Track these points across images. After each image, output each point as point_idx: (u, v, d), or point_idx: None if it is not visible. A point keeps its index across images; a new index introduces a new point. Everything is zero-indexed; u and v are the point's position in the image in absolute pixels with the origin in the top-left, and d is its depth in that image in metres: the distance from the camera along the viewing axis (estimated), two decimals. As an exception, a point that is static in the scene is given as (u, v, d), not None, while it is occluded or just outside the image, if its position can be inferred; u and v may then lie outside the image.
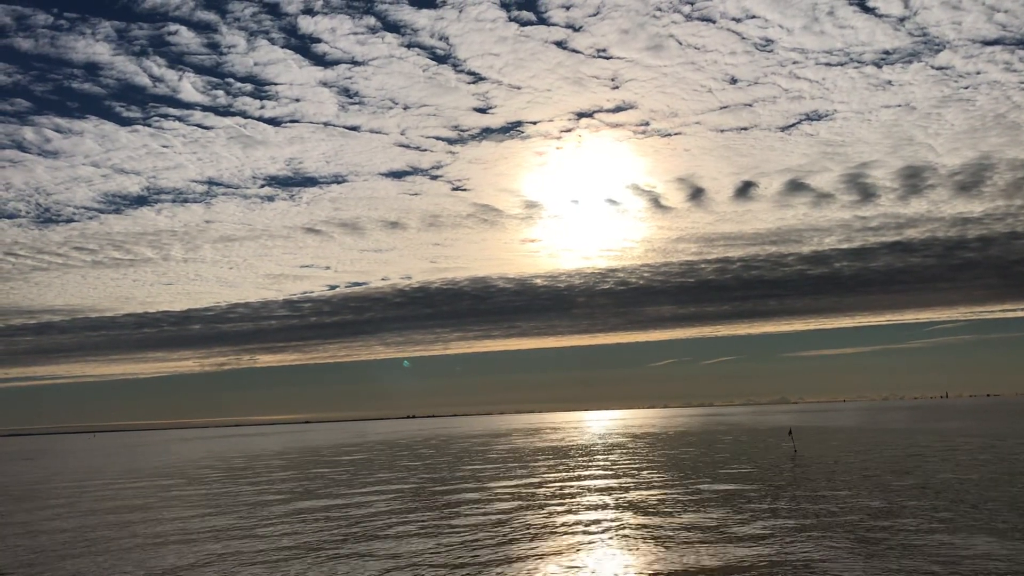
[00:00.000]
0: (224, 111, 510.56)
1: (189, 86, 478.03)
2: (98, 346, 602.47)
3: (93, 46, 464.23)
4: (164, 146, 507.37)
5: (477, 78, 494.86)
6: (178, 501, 33.74)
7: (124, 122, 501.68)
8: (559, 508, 25.58)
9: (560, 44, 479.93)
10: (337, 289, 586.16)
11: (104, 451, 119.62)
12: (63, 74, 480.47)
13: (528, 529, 21.25)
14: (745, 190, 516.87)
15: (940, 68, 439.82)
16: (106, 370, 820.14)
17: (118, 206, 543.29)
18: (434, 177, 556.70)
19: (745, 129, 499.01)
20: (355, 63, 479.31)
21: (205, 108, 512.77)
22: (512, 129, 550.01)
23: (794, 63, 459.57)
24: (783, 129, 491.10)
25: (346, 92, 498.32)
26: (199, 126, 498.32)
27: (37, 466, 77.37)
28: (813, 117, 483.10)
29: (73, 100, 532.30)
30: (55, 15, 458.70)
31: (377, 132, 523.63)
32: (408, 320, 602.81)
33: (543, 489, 31.72)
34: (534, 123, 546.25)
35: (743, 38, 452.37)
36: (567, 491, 30.58)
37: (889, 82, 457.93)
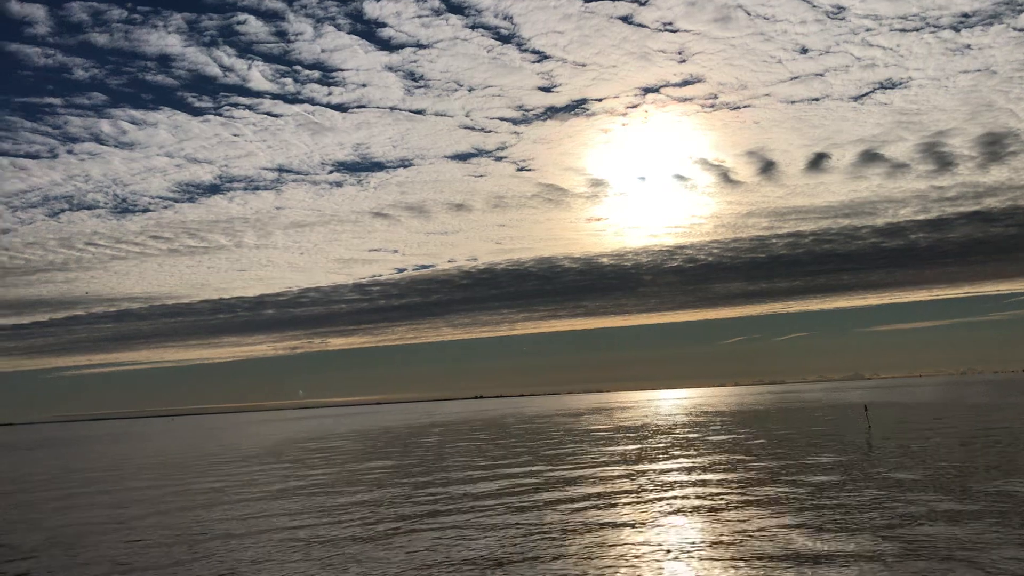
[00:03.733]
0: (292, 98, 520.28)
1: (258, 74, 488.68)
2: (175, 332, 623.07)
3: (165, 38, 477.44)
4: (235, 135, 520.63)
5: (541, 57, 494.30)
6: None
7: (196, 112, 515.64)
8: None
9: (625, 19, 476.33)
10: (405, 272, 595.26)
11: (205, 433, 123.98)
12: (137, 67, 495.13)
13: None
14: (817, 162, 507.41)
15: (1022, 29, 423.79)
16: (183, 355, 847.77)
17: (192, 195, 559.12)
18: (499, 158, 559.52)
19: (816, 100, 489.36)
20: (420, 46, 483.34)
21: (274, 96, 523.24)
22: (577, 107, 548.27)
23: (867, 30, 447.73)
24: (856, 99, 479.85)
25: (411, 76, 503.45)
26: (268, 114, 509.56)
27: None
28: (887, 85, 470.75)
29: (147, 92, 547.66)
30: (129, 9, 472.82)
31: (442, 115, 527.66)
32: (474, 301, 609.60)
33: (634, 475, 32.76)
34: (599, 100, 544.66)
35: (814, 6, 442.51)
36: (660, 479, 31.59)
37: (968, 46, 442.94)
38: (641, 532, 18.01)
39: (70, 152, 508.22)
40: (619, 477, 28.95)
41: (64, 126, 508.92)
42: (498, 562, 15.73)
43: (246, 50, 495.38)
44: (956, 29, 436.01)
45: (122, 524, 23.95)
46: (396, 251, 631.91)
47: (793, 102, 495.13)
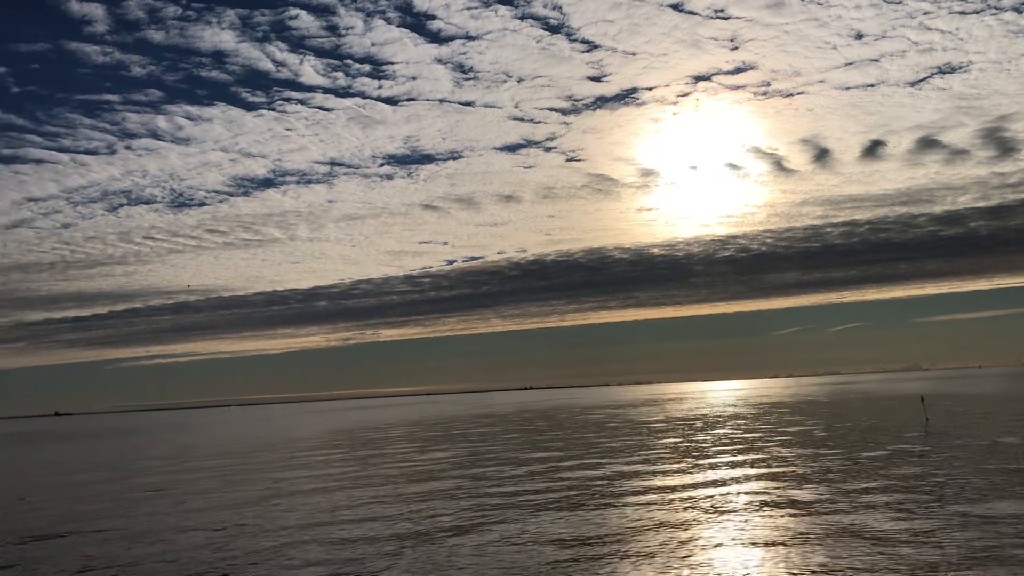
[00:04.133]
0: (344, 92, 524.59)
1: (310, 69, 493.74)
2: (231, 324, 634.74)
3: (219, 34, 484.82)
4: (288, 129, 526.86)
5: (591, 46, 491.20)
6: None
7: (250, 107, 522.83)
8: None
9: (676, 7, 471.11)
10: (455, 264, 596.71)
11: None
12: (192, 63, 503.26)
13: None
14: (873, 149, 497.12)
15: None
16: (238, 347, 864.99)
17: (246, 189, 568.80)
18: (548, 149, 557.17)
19: (872, 86, 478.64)
20: (469, 38, 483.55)
21: (326, 90, 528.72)
22: (627, 96, 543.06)
23: (925, 14, 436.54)
24: (913, 84, 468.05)
25: (460, 68, 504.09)
26: (320, 108, 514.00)
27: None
28: (946, 70, 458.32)
29: (202, 88, 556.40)
30: (183, 6, 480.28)
31: (491, 106, 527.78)
32: (524, 293, 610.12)
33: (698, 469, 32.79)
34: (649, 89, 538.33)
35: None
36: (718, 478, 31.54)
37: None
38: (703, 527, 18.09)
39: (128, 148, 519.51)
40: (682, 470, 28.98)
41: (122, 122, 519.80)
42: (573, 548, 15.94)
43: (298, 45, 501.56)
44: (1019, 10, 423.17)
45: (182, 513, 24.68)
46: (446, 243, 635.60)
47: (848, 88, 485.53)
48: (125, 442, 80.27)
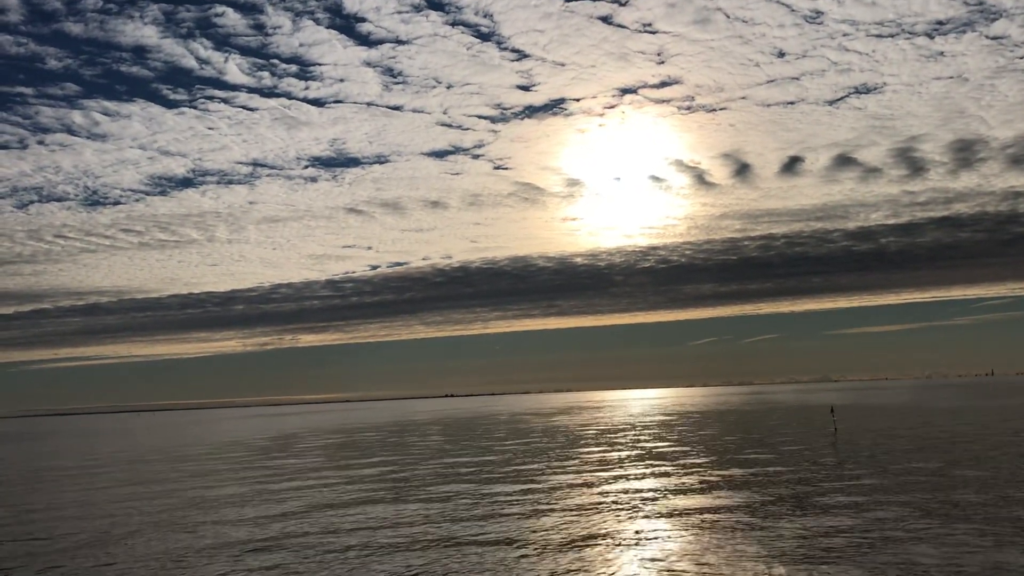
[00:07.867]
0: (269, 92, 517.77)
1: (235, 68, 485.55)
2: (144, 327, 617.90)
3: (141, 29, 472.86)
4: (209, 128, 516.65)
5: (521, 55, 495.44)
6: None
7: (170, 105, 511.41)
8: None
9: (605, 19, 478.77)
10: (378, 269, 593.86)
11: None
12: (112, 58, 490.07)
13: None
14: (791, 165, 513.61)
15: (995, 38, 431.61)
16: (151, 350, 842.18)
17: (164, 188, 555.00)
18: (476, 156, 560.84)
19: (792, 103, 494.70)
20: (399, 42, 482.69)
21: (250, 90, 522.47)
22: (555, 106, 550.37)
23: (844, 35, 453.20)
24: (831, 103, 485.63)
25: (390, 72, 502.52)
26: (244, 108, 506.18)
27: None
28: (862, 90, 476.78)
29: (121, 83, 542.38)
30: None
31: (420, 111, 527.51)
32: (448, 299, 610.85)
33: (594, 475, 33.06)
34: (577, 100, 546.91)
35: (792, 10, 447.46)
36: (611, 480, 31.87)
37: (941, 53, 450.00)
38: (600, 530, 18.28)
39: (41, 143, 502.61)
40: (586, 476, 29.24)
41: (35, 116, 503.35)
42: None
43: (223, 43, 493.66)
44: (930, 36, 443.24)
45: (96, 532, 23.85)
46: (370, 248, 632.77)
47: (769, 105, 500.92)
48: (34, 449, 77.03)
